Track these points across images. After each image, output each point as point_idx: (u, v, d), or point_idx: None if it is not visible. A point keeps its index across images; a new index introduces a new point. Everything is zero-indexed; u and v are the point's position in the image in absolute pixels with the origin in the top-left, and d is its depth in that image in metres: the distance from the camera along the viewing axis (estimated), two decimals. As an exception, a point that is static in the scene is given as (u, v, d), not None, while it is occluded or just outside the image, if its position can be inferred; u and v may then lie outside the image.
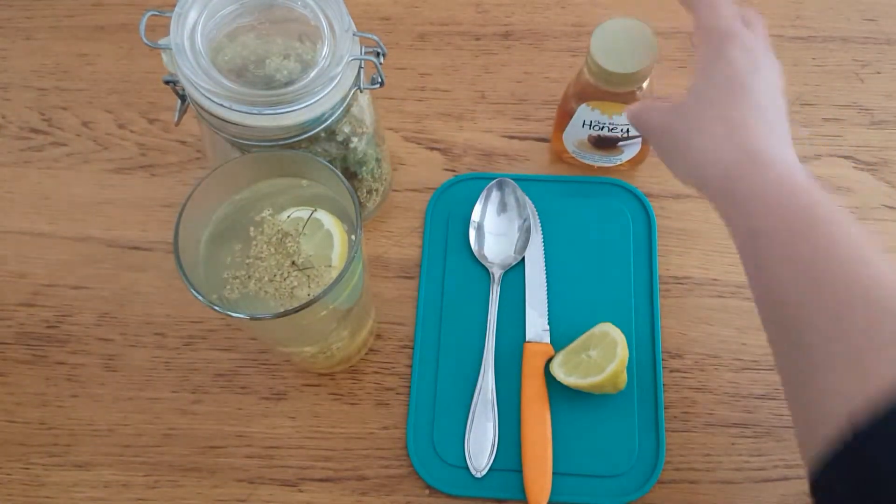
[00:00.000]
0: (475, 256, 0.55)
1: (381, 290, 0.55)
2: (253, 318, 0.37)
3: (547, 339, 0.52)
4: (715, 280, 0.55)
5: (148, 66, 0.65)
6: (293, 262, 0.40)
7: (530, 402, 0.50)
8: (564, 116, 0.55)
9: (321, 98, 0.41)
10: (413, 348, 0.53)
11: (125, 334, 0.54)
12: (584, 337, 0.51)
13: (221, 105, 0.40)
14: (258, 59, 0.44)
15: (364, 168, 0.51)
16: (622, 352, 0.48)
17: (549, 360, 0.51)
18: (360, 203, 0.52)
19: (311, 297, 0.37)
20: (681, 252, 0.56)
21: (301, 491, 0.49)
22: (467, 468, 0.49)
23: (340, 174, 0.39)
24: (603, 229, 0.56)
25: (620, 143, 0.55)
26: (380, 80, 0.44)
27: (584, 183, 0.58)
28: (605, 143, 0.55)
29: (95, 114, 0.63)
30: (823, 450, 0.30)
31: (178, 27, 0.40)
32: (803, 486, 0.48)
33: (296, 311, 0.36)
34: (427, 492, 0.49)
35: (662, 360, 0.52)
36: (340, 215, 0.41)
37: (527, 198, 0.56)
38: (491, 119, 0.62)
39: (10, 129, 0.63)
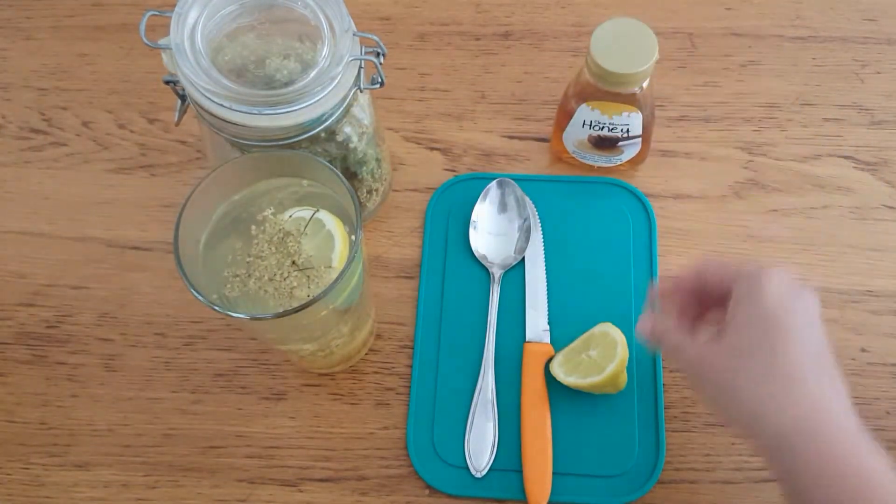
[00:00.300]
0: (475, 256, 0.55)
1: (381, 290, 0.55)
2: (253, 319, 0.37)
3: (547, 339, 0.52)
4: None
5: (148, 66, 0.65)
6: (293, 262, 0.40)
7: (530, 402, 0.50)
8: (564, 116, 0.55)
9: (321, 98, 0.41)
10: (413, 348, 0.53)
11: (125, 334, 0.54)
12: (584, 337, 0.51)
13: (221, 105, 0.40)
14: (258, 59, 0.44)
15: (364, 168, 0.51)
16: (622, 352, 0.48)
17: (549, 360, 0.51)
18: (360, 203, 0.52)
19: (310, 297, 0.37)
20: (681, 252, 0.56)
21: (301, 491, 0.49)
22: (467, 468, 0.49)
23: (340, 174, 0.39)
24: (603, 229, 0.56)
25: (620, 143, 0.55)
26: (380, 80, 0.44)
27: (584, 183, 0.58)
28: (605, 143, 0.55)
29: (95, 114, 0.63)
30: None
31: (178, 27, 0.40)
32: (803, 486, 0.48)
33: (295, 311, 0.36)
34: (427, 492, 0.49)
35: (662, 360, 0.52)
36: (341, 215, 0.41)
37: (527, 197, 0.56)
38: (491, 119, 0.62)
39: (10, 129, 0.63)
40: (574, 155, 0.58)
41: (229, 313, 0.36)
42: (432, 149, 0.61)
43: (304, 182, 0.42)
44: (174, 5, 0.41)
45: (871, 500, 0.33)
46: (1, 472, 0.51)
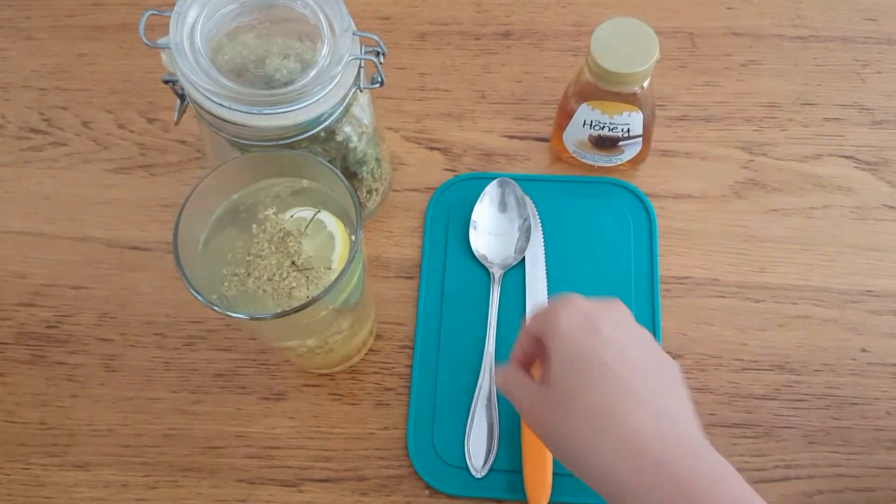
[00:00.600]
0: (475, 256, 0.55)
1: (381, 290, 0.55)
2: (253, 319, 0.37)
3: (547, 339, 0.52)
4: (715, 280, 0.55)
5: (147, 66, 0.65)
6: (293, 262, 0.40)
7: None
8: (564, 116, 0.55)
9: (321, 98, 0.41)
10: (413, 348, 0.53)
11: (125, 334, 0.54)
12: (584, 337, 0.50)
13: (221, 105, 0.40)
14: (258, 59, 0.44)
15: (364, 168, 0.51)
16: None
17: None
18: (360, 203, 0.52)
19: (309, 297, 0.37)
20: (681, 252, 0.56)
21: (301, 491, 0.49)
22: (467, 468, 0.49)
23: (340, 174, 0.39)
24: (603, 229, 0.56)
25: (621, 142, 0.55)
26: (380, 79, 0.44)
27: (584, 183, 0.58)
28: (606, 143, 0.55)
29: (95, 114, 0.63)
30: None
31: (177, 26, 0.40)
32: (803, 486, 0.48)
33: (295, 311, 0.36)
34: (427, 492, 0.49)
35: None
36: (341, 215, 0.41)
37: (527, 197, 0.56)
38: (491, 119, 0.62)
39: (10, 128, 0.63)
40: (574, 155, 0.58)
41: (229, 313, 0.36)
42: (432, 149, 0.61)
43: (304, 182, 0.42)
44: (173, 5, 0.40)
45: None
46: (1, 472, 0.51)
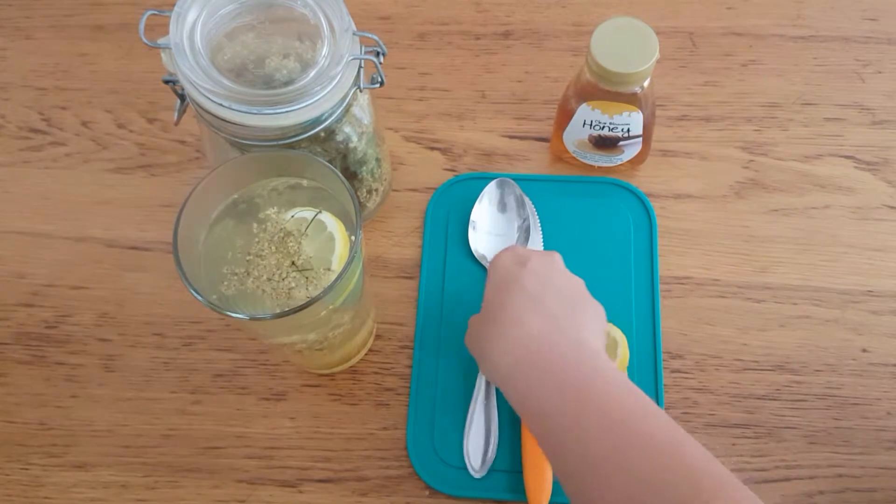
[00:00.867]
0: (475, 256, 0.55)
1: (381, 290, 0.55)
2: (253, 319, 0.37)
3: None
4: (716, 280, 0.55)
5: (147, 66, 0.65)
6: (293, 263, 0.40)
7: None
8: (565, 116, 0.54)
9: (321, 98, 0.41)
10: (413, 348, 0.53)
11: (124, 334, 0.54)
12: (584, 337, 0.50)
13: (221, 105, 0.40)
14: (258, 59, 0.44)
15: (364, 168, 0.51)
16: (623, 352, 0.48)
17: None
18: (360, 203, 0.52)
19: (308, 298, 0.37)
20: (681, 252, 0.56)
21: (301, 492, 0.49)
22: (467, 468, 0.49)
23: (340, 174, 0.39)
24: (603, 229, 0.56)
25: (621, 142, 0.55)
26: (380, 79, 0.44)
27: (584, 183, 0.58)
28: (606, 143, 0.55)
29: (95, 113, 0.63)
30: None
31: (177, 26, 0.40)
32: (804, 486, 0.48)
33: (295, 311, 0.36)
34: (427, 492, 0.49)
35: (663, 360, 0.52)
36: (341, 215, 0.41)
37: (526, 197, 0.56)
38: (491, 119, 0.62)
39: (10, 128, 0.63)
40: (574, 155, 0.58)
41: (229, 313, 0.36)
42: (432, 149, 0.61)
43: (304, 182, 0.42)
44: (173, 5, 0.40)
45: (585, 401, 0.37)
46: (0, 472, 0.51)
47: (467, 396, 0.51)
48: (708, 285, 0.55)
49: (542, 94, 0.63)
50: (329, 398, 0.52)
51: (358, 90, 0.44)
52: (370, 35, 0.43)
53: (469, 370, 0.52)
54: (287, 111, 0.41)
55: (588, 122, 0.53)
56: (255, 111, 0.40)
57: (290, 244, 0.40)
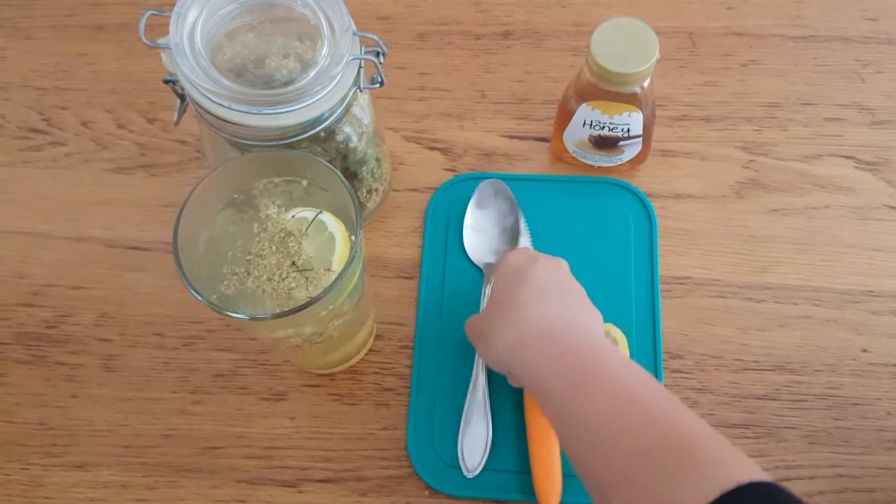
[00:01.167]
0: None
1: (381, 290, 0.55)
2: (253, 319, 0.37)
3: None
4: (716, 280, 0.55)
5: (147, 66, 0.65)
6: (293, 263, 0.40)
7: (533, 401, 0.49)
8: (565, 116, 0.54)
9: (321, 98, 0.41)
10: (413, 348, 0.53)
11: (124, 334, 0.54)
12: (584, 337, 0.50)
13: (221, 105, 0.40)
14: (258, 59, 0.44)
15: (364, 168, 0.51)
16: (622, 352, 0.48)
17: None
18: (360, 203, 0.52)
19: (308, 298, 0.37)
20: (681, 252, 0.56)
21: (301, 492, 0.49)
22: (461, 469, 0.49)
23: (340, 174, 0.39)
24: (603, 229, 0.56)
25: (621, 142, 0.55)
26: (380, 79, 0.44)
27: (584, 183, 0.58)
28: (606, 143, 0.55)
29: (95, 113, 0.63)
30: None
31: (177, 26, 0.40)
32: (804, 486, 0.48)
33: (295, 311, 0.36)
34: (427, 492, 0.49)
35: (663, 360, 0.52)
36: (341, 216, 0.41)
37: (513, 199, 0.56)
38: (491, 119, 0.62)
39: (10, 128, 0.63)
40: (574, 155, 0.58)
41: (228, 313, 0.36)
42: (432, 149, 0.61)
43: (304, 182, 0.42)
44: (173, 5, 0.40)
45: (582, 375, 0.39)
46: (0, 472, 0.51)
47: (467, 396, 0.51)
48: (708, 285, 0.55)
49: (542, 94, 0.63)
50: (329, 398, 0.52)
51: (358, 90, 0.44)
52: (370, 35, 0.43)
53: (469, 370, 0.51)
54: (287, 111, 0.41)
55: (588, 122, 0.53)
56: (255, 111, 0.40)
57: (291, 244, 0.40)
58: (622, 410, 0.36)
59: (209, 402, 0.52)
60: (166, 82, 0.44)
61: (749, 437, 0.50)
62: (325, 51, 0.41)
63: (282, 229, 0.40)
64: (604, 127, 0.53)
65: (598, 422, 0.36)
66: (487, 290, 0.53)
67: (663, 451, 0.34)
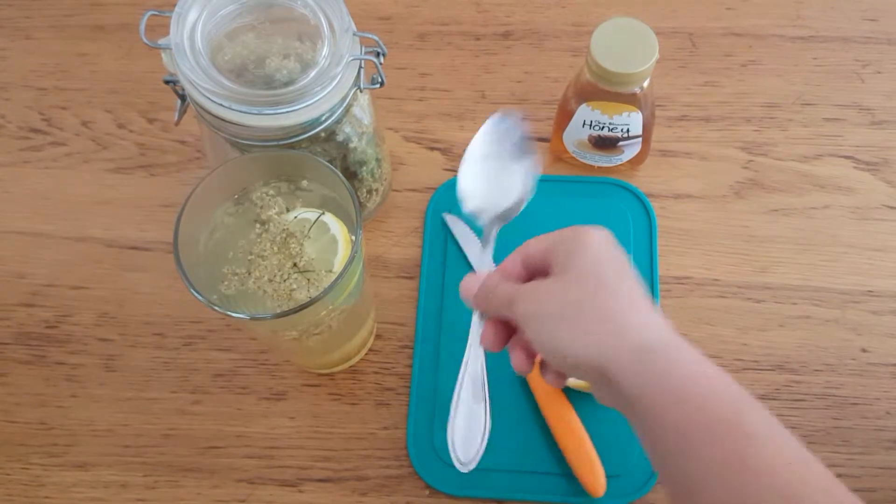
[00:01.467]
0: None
1: (381, 290, 0.55)
2: (253, 319, 0.37)
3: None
4: (716, 280, 0.55)
5: (148, 66, 0.65)
6: (294, 264, 0.40)
7: (548, 400, 0.49)
8: (564, 116, 0.55)
9: (321, 98, 0.41)
10: (413, 348, 0.53)
11: (125, 334, 0.54)
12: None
13: (221, 105, 0.40)
14: (258, 59, 0.44)
15: (364, 168, 0.51)
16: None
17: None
18: (360, 203, 0.52)
19: (309, 298, 0.37)
20: (681, 252, 0.56)
21: (301, 491, 0.49)
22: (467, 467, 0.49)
23: (340, 174, 0.39)
24: (603, 229, 0.56)
25: (620, 142, 0.55)
26: (380, 79, 0.44)
27: (584, 183, 0.58)
28: (606, 143, 0.55)
29: (95, 113, 0.63)
30: None
31: (177, 27, 0.40)
32: (804, 486, 0.48)
33: (295, 311, 0.36)
34: (427, 492, 0.49)
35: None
36: (341, 215, 0.41)
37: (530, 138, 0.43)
38: (491, 119, 0.62)
39: (10, 128, 0.63)
40: (574, 155, 0.58)
41: (229, 313, 0.36)
42: (432, 149, 0.61)
43: (304, 182, 0.42)
44: (174, 5, 0.40)
45: (689, 396, 0.32)
46: (0, 472, 0.51)
47: (467, 396, 0.51)
48: (708, 285, 0.55)
49: (542, 94, 0.63)
50: (329, 398, 0.52)
51: (358, 90, 0.44)
52: (370, 35, 0.43)
53: (469, 370, 0.51)
54: (287, 111, 0.41)
55: (588, 122, 0.53)
56: (255, 111, 0.40)
57: (293, 245, 0.40)
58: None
59: (209, 401, 0.52)
60: (166, 82, 0.44)
61: (749, 437, 0.50)
62: (325, 51, 0.41)
63: (283, 230, 0.40)
64: (603, 127, 0.53)
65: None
66: (489, 249, 0.42)
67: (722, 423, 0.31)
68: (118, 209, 0.59)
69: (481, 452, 0.41)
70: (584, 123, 0.53)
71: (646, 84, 0.50)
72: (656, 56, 0.48)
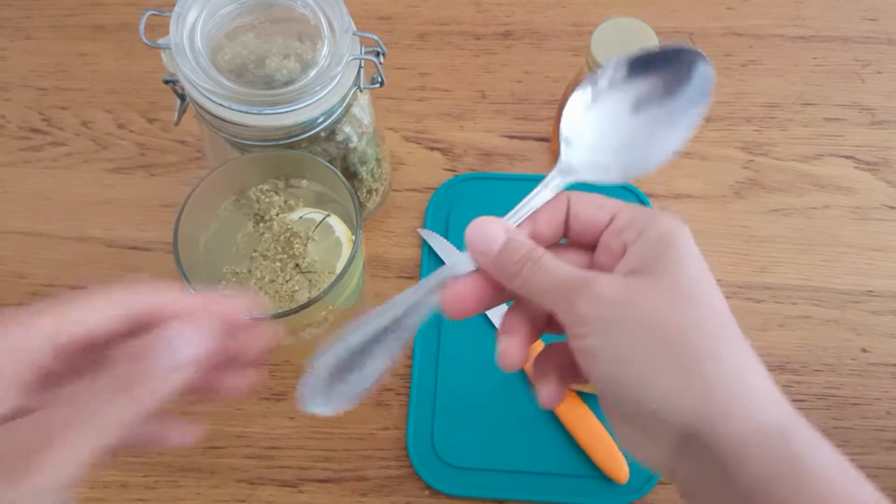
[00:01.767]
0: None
1: (381, 290, 0.55)
2: (253, 318, 0.37)
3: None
4: (716, 280, 0.55)
5: (148, 66, 0.65)
6: (297, 265, 0.40)
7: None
8: (565, 116, 0.54)
9: (321, 98, 0.41)
10: (413, 348, 0.53)
11: (125, 334, 0.54)
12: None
13: (221, 105, 0.40)
14: (258, 59, 0.44)
15: (364, 168, 0.51)
16: None
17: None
18: (360, 203, 0.52)
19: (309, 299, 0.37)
20: (681, 252, 0.56)
21: (301, 492, 0.49)
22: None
23: (340, 174, 0.39)
24: (603, 229, 0.56)
25: (621, 142, 0.54)
26: (380, 79, 0.44)
27: (583, 183, 0.58)
28: (606, 143, 0.55)
29: (95, 113, 0.63)
30: None
31: (177, 27, 0.40)
32: (804, 486, 0.48)
33: (295, 311, 0.36)
34: (427, 492, 0.49)
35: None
36: (341, 215, 0.41)
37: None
38: (491, 119, 0.62)
39: (10, 128, 0.63)
40: (574, 155, 0.57)
41: (229, 313, 0.36)
42: (432, 149, 0.61)
43: (305, 182, 0.42)
44: (174, 5, 0.40)
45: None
46: (0, 472, 0.51)
47: (468, 396, 0.51)
48: (708, 285, 0.55)
49: (542, 94, 0.63)
50: (329, 398, 0.52)
51: (358, 90, 0.44)
52: (370, 35, 0.43)
53: (469, 369, 0.51)
54: (287, 111, 0.41)
55: (588, 122, 0.53)
56: (255, 111, 0.40)
57: (296, 245, 0.40)
58: None
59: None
60: (166, 82, 0.44)
61: (749, 437, 0.50)
62: (325, 51, 0.41)
63: (287, 230, 0.40)
64: (604, 127, 0.53)
65: None
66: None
67: None
68: (118, 209, 0.59)
69: (348, 397, 0.31)
70: (584, 123, 0.53)
71: (646, 84, 0.50)
72: (656, 56, 0.48)
